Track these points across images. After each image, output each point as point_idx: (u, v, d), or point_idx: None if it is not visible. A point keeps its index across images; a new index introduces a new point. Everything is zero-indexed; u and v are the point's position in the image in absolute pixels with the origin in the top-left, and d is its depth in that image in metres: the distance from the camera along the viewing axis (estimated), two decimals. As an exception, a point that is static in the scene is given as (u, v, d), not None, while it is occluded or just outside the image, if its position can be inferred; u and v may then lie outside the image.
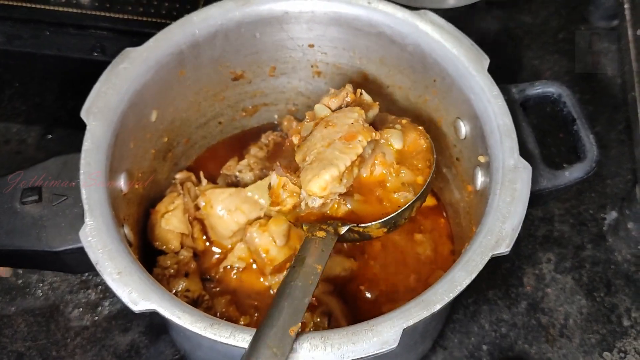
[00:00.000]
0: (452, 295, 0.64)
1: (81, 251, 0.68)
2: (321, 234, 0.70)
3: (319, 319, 0.82)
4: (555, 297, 1.00)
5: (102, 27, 1.05)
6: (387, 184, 0.76)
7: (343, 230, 0.72)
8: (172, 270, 0.83)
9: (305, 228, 0.72)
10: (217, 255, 0.92)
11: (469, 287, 0.65)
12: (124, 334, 0.95)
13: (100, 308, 0.97)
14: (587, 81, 1.14)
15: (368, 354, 0.61)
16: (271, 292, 0.88)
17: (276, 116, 1.04)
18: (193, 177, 0.94)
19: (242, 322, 0.85)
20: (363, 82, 0.96)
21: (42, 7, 1.07)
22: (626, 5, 1.07)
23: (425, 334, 0.88)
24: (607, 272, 1.02)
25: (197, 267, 0.87)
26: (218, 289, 0.89)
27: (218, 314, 0.86)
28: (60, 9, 1.06)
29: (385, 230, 0.75)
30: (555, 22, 1.21)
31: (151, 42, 0.82)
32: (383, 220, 0.73)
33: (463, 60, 0.81)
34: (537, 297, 1.00)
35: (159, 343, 0.94)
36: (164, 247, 0.86)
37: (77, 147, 0.74)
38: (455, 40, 0.82)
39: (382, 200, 0.75)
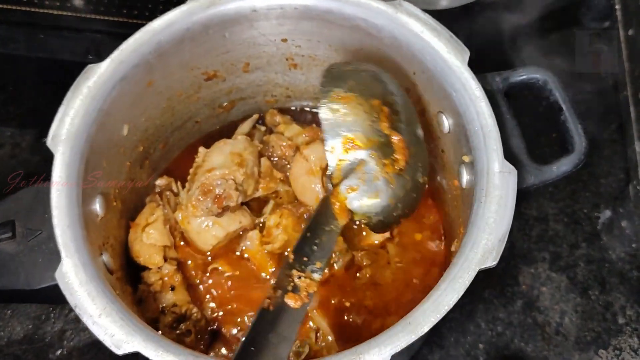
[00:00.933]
0: (439, 317, 0.63)
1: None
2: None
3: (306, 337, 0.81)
4: (551, 296, 1.00)
5: (97, 30, 1.06)
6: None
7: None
8: (157, 287, 0.82)
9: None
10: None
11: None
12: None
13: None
14: (580, 81, 1.12)
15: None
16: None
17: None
18: (173, 184, 0.92)
19: (235, 331, 0.85)
20: (341, 71, 0.92)
21: (37, 10, 1.07)
22: (617, 6, 1.06)
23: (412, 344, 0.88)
24: (602, 271, 1.02)
25: (182, 279, 0.85)
26: (208, 296, 0.88)
27: (210, 324, 0.86)
28: (55, 12, 1.07)
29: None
30: (548, 24, 1.20)
31: (114, 55, 0.78)
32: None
33: (442, 54, 0.77)
34: (532, 295, 1.00)
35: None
36: (147, 263, 0.84)
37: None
38: (433, 32, 0.78)
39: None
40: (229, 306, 0.87)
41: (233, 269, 0.88)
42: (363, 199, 0.73)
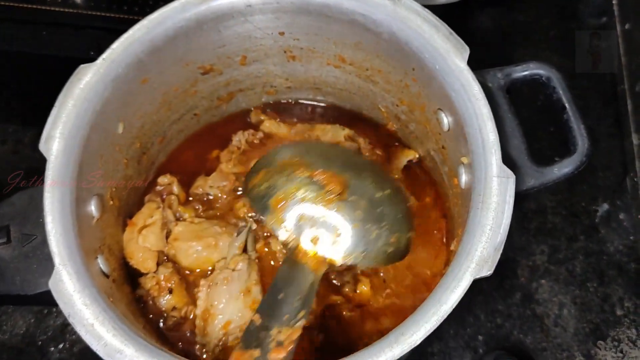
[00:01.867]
0: (430, 328, 0.63)
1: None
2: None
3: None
4: (549, 288, 1.01)
5: (99, 26, 1.06)
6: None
7: None
8: (155, 292, 0.82)
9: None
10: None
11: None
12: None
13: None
14: (578, 76, 1.12)
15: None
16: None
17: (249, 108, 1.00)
18: (175, 185, 0.89)
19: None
20: (340, 63, 0.90)
21: (39, 7, 1.08)
22: (614, 2, 1.08)
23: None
24: (600, 263, 1.03)
25: (179, 280, 0.85)
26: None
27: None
28: (57, 9, 1.07)
29: None
30: (547, 20, 1.21)
31: (106, 55, 0.77)
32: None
33: (441, 52, 0.74)
34: (531, 288, 1.01)
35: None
36: (139, 266, 0.83)
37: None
38: (432, 29, 0.76)
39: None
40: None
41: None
42: (329, 241, 0.73)
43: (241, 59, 0.90)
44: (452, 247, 0.82)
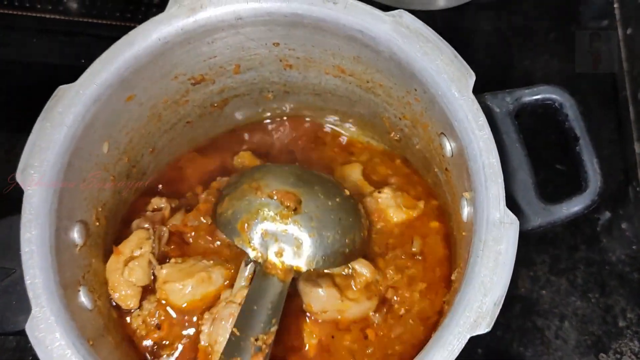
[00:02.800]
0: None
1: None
2: None
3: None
4: (550, 299, 0.98)
5: (90, 33, 1.06)
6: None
7: None
8: (142, 331, 0.78)
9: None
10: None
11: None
12: None
13: None
14: (578, 81, 1.08)
15: None
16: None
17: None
18: (167, 211, 0.85)
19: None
20: (340, 74, 0.84)
21: (29, 14, 1.06)
22: (615, 5, 1.05)
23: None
24: (602, 273, 1.00)
25: (167, 313, 0.81)
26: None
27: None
28: (47, 15, 1.06)
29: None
30: (546, 23, 1.17)
31: (86, 74, 0.72)
32: None
33: (444, 77, 0.69)
34: (532, 299, 0.97)
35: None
36: (120, 302, 0.78)
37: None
38: (435, 51, 0.70)
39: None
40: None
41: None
42: (293, 252, 0.78)
43: (234, 68, 0.85)
44: (452, 277, 0.78)
